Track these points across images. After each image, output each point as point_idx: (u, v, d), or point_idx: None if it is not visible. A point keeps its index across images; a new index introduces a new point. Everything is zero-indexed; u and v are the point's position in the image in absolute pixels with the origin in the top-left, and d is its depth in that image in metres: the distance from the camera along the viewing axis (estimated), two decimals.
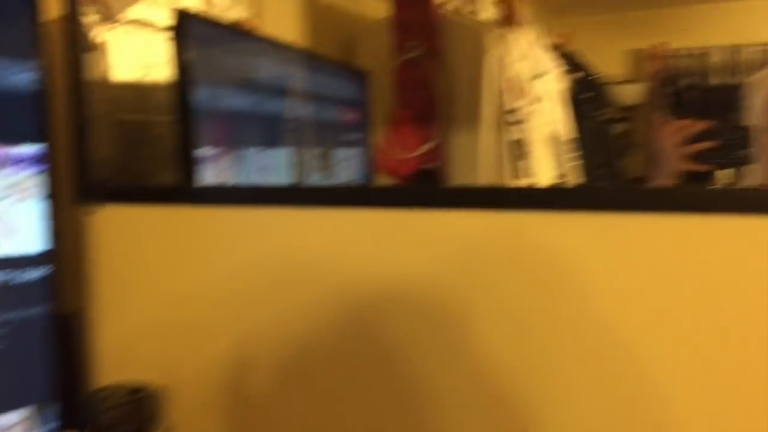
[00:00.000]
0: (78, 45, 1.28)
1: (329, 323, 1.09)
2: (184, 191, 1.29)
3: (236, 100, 1.58)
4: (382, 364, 1.04)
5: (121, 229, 1.28)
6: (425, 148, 2.50)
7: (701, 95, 4.29)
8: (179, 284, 1.25)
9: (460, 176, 2.55)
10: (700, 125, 1.23)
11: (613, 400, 0.86)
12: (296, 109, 1.86)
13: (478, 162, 2.47)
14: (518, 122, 2.54)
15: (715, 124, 1.22)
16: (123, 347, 1.29)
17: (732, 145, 1.21)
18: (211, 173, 1.38)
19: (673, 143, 1.24)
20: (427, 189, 1.24)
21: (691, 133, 1.23)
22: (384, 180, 2.59)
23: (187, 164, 1.32)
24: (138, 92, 1.67)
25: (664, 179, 1.30)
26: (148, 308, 1.27)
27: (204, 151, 1.39)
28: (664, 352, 0.82)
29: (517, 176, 2.53)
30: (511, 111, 2.51)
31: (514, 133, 2.51)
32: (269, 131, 1.70)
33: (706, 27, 4.36)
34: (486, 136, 2.46)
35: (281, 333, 1.15)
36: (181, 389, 1.25)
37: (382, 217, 1.02)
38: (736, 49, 4.24)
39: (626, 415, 0.85)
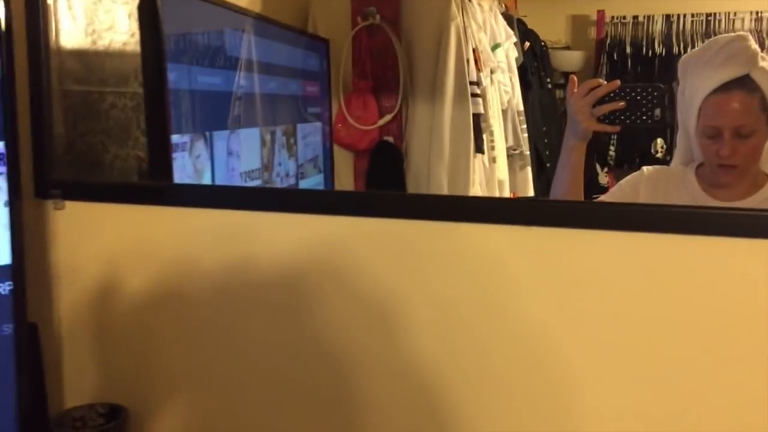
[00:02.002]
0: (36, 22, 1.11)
1: (307, 334, 1.03)
2: (173, 191, 1.15)
3: (202, 77, 1.43)
4: (326, 360, 1.03)
5: (92, 230, 1.14)
6: (384, 120, 2.40)
7: (642, 63, 4.34)
8: (154, 290, 1.12)
9: (419, 150, 2.46)
10: (608, 86, 1.18)
11: (531, 392, 0.93)
12: (260, 84, 1.72)
13: (439, 136, 2.39)
14: (481, 94, 2.47)
15: (626, 84, 1.18)
16: (93, 361, 1.16)
17: (643, 105, 1.16)
18: (186, 162, 1.24)
19: (582, 104, 1.20)
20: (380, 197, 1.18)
21: (599, 94, 1.18)
22: (341, 152, 2.48)
23: (162, 154, 1.17)
24: (85, 60, 1.50)
25: (576, 141, 1.26)
26: (123, 318, 1.14)
27: (174, 138, 1.25)
28: (577, 353, 0.90)
29: (480, 150, 2.46)
30: (475, 83, 2.43)
31: (477, 105, 2.44)
32: (237, 111, 1.55)
33: None
34: (448, 109, 2.38)
35: (264, 344, 1.06)
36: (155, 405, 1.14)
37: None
38: (677, 18, 4.29)
39: (540, 405, 0.93)
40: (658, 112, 1.16)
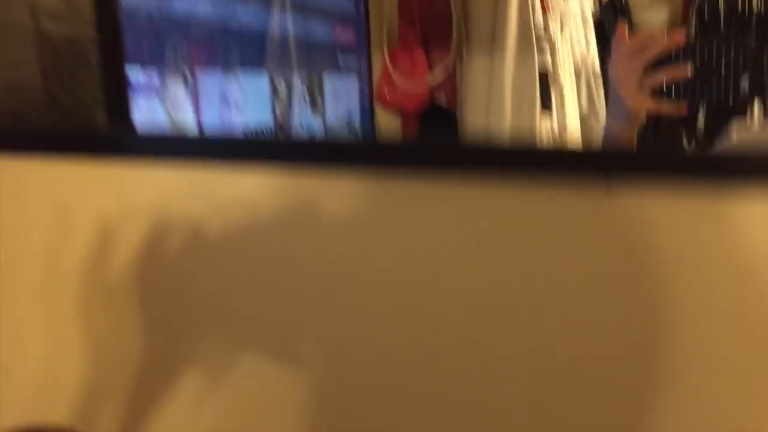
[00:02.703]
0: None
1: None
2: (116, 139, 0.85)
3: (195, 4, 1.14)
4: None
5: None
6: (435, 77, 2.07)
7: (738, 24, 3.87)
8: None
9: (474, 112, 2.13)
10: (669, 41, 0.78)
11: None
12: (277, 22, 1.41)
13: (499, 96, 2.05)
14: (549, 47, 2.10)
15: (694, 40, 0.77)
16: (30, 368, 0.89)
17: (723, 73, 0.75)
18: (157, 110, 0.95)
19: (630, 69, 0.80)
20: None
21: (653, 54, 0.78)
22: (385, 115, 2.17)
23: (118, 95, 0.88)
24: None
25: (620, 125, 0.85)
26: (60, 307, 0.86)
27: (141, 74, 0.96)
28: None
29: (548, 106, 2.11)
30: (543, 33, 2.07)
31: (545, 61, 2.08)
32: (242, 51, 1.25)
33: None
34: (510, 63, 2.03)
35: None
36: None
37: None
38: None
39: None
40: (746, 84, 0.75)
